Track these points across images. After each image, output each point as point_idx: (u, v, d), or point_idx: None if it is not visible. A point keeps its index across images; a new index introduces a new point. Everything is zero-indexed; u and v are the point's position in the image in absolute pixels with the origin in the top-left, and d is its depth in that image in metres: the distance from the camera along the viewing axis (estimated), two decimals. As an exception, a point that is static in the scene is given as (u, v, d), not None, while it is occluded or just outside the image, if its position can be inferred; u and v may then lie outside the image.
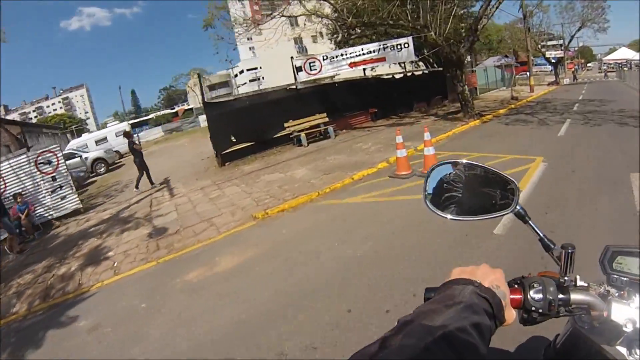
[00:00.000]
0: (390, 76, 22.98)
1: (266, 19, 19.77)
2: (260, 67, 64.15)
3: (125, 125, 34.49)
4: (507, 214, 0.96)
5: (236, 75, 77.90)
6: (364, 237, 5.98)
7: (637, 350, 0.77)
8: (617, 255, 0.90)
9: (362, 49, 18.52)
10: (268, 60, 48.77)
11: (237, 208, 8.90)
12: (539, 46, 44.59)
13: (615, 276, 0.90)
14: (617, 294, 0.84)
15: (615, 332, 0.78)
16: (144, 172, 13.85)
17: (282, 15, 18.98)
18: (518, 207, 0.95)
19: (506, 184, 0.97)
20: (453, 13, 17.26)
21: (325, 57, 18.55)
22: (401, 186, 8.56)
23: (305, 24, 23.69)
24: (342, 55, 18.31)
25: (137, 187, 13.94)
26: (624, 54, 60.77)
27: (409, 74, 24.23)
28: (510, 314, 0.77)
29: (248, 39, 25.20)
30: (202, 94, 17.52)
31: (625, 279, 0.88)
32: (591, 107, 18.47)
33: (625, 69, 46.56)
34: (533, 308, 0.80)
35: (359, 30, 20.86)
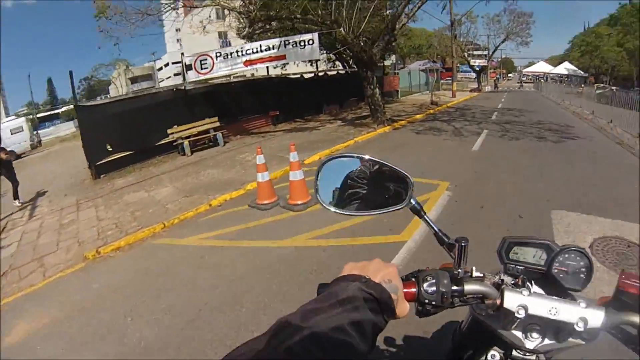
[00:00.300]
0: (299, 76, 20.80)
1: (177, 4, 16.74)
2: (187, 61, 59.98)
3: (22, 122, 29.18)
4: (401, 208, 0.98)
5: (160, 69, 72.39)
6: (163, 310, 4.40)
7: (533, 334, 0.83)
8: (513, 245, 0.98)
9: (261, 46, 16.06)
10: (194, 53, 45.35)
11: (76, 242, 7.42)
12: (465, 54, 45.01)
13: (511, 265, 0.97)
14: (512, 282, 0.93)
15: (510, 318, 0.82)
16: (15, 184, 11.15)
17: (184, 6, 16.16)
18: (413, 202, 0.97)
19: (401, 179, 1.00)
20: (371, 11, 15.34)
21: (218, 54, 15.91)
22: (256, 221, 6.74)
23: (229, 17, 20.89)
24: (237, 52, 15.76)
25: (16, 197, 11.17)
26: (542, 67, 65.51)
27: (321, 74, 22.19)
28: (404, 307, 0.78)
29: (177, 30, 21.80)
30: (74, 93, 14.34)
31: (520, 267, 0.97)
32: (510, 117, 17.96)
33: (542, 80, 49.38)
34: (426, 300, 0.81)
35: (266, 25, 18.42)
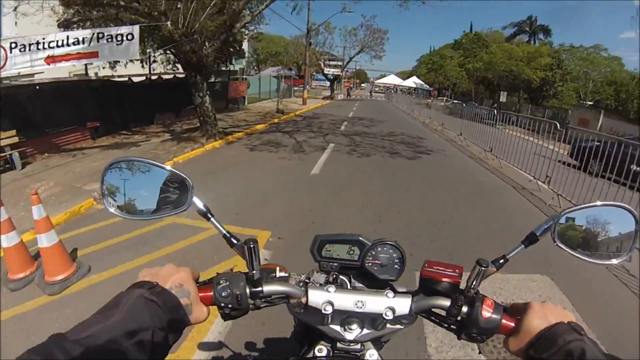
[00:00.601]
0: (127, 79, 16.64)
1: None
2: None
3: None
4: (183, 211, 0.94)
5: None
6: None
7: (351, 326, 0.85)
8: (325, 243, 1.00)
9: (68, 38, 11.72)
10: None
11: None
12: (320, 62, 44.61)
13: (325, 263, 1.00)
14: (326, 280, 0.99)
15: (321, 314, 0.84)
16: None
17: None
18: (199, 204, 0.93)
19: (182, 182, 0.95)
20: (211, 5, 12.22)
21: (14, 45, 11.22)
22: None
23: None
24: (38, 44, 11.25)
25: None
26: (392, 79, 70.95)
27: (154, 78, 18.33)
28: (200, 312, 0.79)
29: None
30: None
31: (335, 264, 1.00)
32: (360, 127, 16.77)
33: (392, 91, 51.94)
34: (222, 304, 0.82)
35: (86, 12, 14.06)
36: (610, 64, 36.46)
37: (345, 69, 63.01)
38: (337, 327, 0.87)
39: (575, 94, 39.09)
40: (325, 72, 45.58)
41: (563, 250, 0.88)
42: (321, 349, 0.90)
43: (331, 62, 67.96)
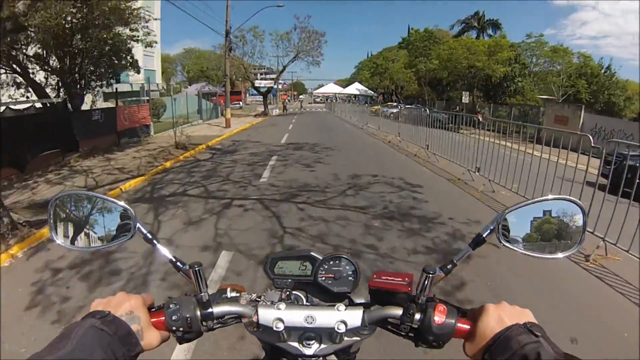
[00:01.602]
0: None
1: None
2: None
3: None
4: (129, 239, 0.94)
5: None
6: None
7: (309, 342, 0.83)
8: (277, 261, 0.99)
9: None
10: None
11: None
12: (249, 74, 37.38)
13: (279, 280, 0.98)
14: (277, 297, 0.95)
15: (275, 332, 0.83)
16: None
17: None
18: (144, 231, 0.92)
19: (125, 211, 0.95)
20: None
21: None
22: None
23: None
24: None
25: None
26: (331, 88, 65.69)
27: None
28: (152, 337, 0.78)
29: None
30: None
31: (289, 280, 0.98)
32: (298, 170, 9.99)
33: (333, 100, 45.31)
34: (174, 328, 0.82)
35: None
36: (580, 56, 32.04)
37: (280, 81, 56.84)
38: (295, 344, 0.84)
39: (542, 89, 34.68)
40: (257, 84, 38.21)
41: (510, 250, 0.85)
42: None
43: (267, 76, 62.83)
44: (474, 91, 37.61)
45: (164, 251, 0.92)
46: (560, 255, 0.87)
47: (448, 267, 0.87)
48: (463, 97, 30.25)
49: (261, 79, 41.14)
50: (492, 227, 0.85)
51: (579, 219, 0.87)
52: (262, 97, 40.14)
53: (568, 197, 0.87)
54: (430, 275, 0.83)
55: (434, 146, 11.82)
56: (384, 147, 14.91)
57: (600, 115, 23.03)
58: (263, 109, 37.47)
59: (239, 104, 54.36)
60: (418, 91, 45.76)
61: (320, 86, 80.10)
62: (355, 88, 52.02)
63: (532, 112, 27.42)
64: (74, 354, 0.63)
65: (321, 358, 0.85)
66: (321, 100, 72.93)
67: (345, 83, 75.28)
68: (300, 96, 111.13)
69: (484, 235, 0.86)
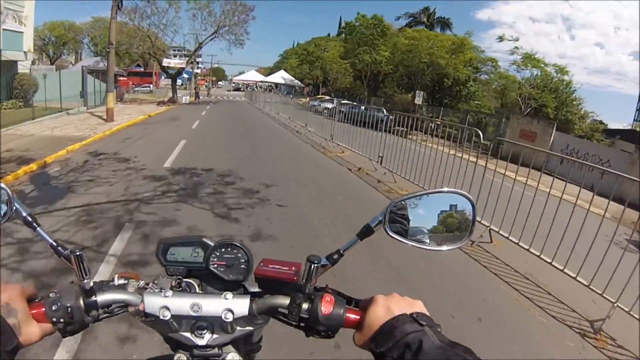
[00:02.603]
0: None
1: None
2: None
3: None
4: (5, 221, 0.87)
5: None
6: None
7: (200, 332, 0.80)
8: (169, 247, 0.95)
9: None
10: None
11: None
12: (156, 50, 29.64)
13: (171, 267, 0.93)
14: (169, 285, 0.88)
15: (164, 321, 0.80)
16: None
17: None
18: (24, 214, 0.85)
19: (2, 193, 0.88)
20: None
21: None
22: None
23: None
24: None
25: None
26: (253, 76, 60.21)
27: None
28: (32, 331, 0.72)
29: None
30: None
31: (181, 267, 0.93)
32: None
33: (255, 89, 38.62)
34: (54, 319, 0.76)
35: None
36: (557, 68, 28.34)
37: (198, 64, 49.39)
38: (187, 334, 0.82)
39: (496, 98, 31.32)
40: (165, 64, 30.80)
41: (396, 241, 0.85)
42: (180, 357, 0.84)
43: (184, 56, 54.12)
44: (415, 90, 33.74)
45: (45, 235, 0.87)
46: (444, 248, 0.88)
47: (334, 257, 0.86)
48: (416, 97, 25.71)
49: (176, 57, 33.26)
50: (380, 219, 0.84)
51: (468, 212, 0.87)
52: (181, 81, 33.26)
53: (460, 190, 0.87)
54: (315, 264, 0.82)
55: (389, 159, 9.04)
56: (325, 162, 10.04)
57: (567, 135, 20.69)
58: (171, 96, 30.56)
59: (149, 87, 47.19)
60: (351, 85, 41.06)
61: (241, 73, 74.40)
62: (281, 76, 46.05)
63: (490, 121, 23.99)
64: None
65: (216, 348, 0.83)
66: (242, 88, 67.05)
67: (268, 72, 70.45)
68: (219, 82, 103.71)
69: (372, 226, 0.85)
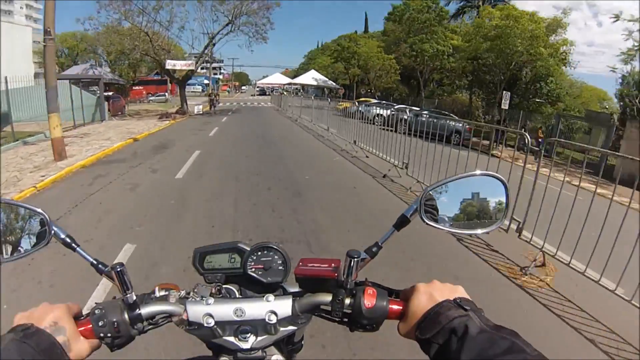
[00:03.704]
0: None
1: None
2: None
3: None
4: (45, 245, 0.87)
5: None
6: None
7: (244, 335, 0.81)
8: (205, 255, 0.95)
9: None
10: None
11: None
12: (158, 51, 23.28)
13: (209, 275, 0.94)
14: (209, 292, 0.88)
15: (208, 328, 0.80)
16: None
17: None
18: (63, 235, 0.86)
19: (40, 216, 0.88)
20: None
21: None
22: None
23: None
24: None
25: None
26: (278, 79, 55.09)
27: None
28: (80, 348, 0.73)
29: None
30: None
31: (219, 274, 0.93)
32: None
33: (285, 94, 31.36)
34: (101, 334, 0.76)
35: None
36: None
37: (220, 69, 43.58)
38: (231, 338, 0.82)
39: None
40: (169, 67, 23.53)
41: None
42: None
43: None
44: (472, 90, 26.67)
45: (85, 254, 0.87)
46: (479, 231, 0.87)
47: (373, 249, 0.85)
48: (503, 101, 18.36)
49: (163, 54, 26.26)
50: (415, 207, 0.83)
51: (501, 195, 0.86)
52: (198, 87, 27.40)
53: (491, 173, 0.85)
54: (355, 259, 0.80)
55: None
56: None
57: None
58: (180, 105, 24.30)
59: (165, 95, 41.87)
60: (395, 85, 34.19)
61: (265, 77, 68.55)
62: (312, 77, 38.71)
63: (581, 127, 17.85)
64: None
65: (260, 351, 0.83)
66: (267, 92, 61.47)
67: (293, 74, 65.07)
68: (243, 87, 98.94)
69: (408, 215, 0.84)
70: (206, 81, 49.64)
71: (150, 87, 43.98)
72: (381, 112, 15.96)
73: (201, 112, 24.65)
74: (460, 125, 15.57)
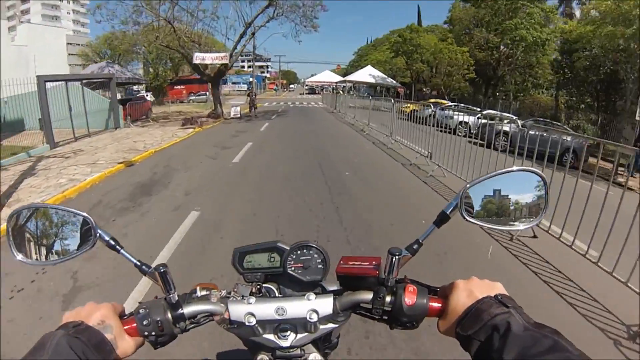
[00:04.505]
0: None
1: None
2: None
3: None
4: (90, 248, 0.87)
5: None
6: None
7: (284, 333, 0.81)
8: (244, 255, 0.94)
9: None
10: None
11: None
12: (184, 42, 19.17)
13: (249, 274, 0.93)
14: (249, 291, 0.89)
15: (249, 327, 0.81)
16: None
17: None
18: (107, 238, 0.86)
19: (84, 220, 0.88)
20: None
21: None
22: None
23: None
24: None
25: None
26: (328, 76, 51.21)
27: None
28: (126, 345, 0.75)
29: None
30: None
31: (259, 273, 0.93)
32: None
33: (340, 92, 26.41)
34: (145, 333, 0.78)
35: None
36: None
37: (267, 67, 40.90)
38: (270, 336, 0.83)
39: None
40: (198, 61, 18.72)
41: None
42: (263, 359, 0.86)
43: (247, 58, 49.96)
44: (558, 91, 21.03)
45: (129, 256, 0.87)
46: (522, 226, 0.85)
47: (414, 247, 0.84)
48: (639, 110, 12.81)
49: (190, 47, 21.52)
50: (455, 203, 0.82)
51: (540, 189, 0.84)
52: (243, 86, 24.52)
53: (530, 168, 0.83)
54: (397, 256, 0.80)
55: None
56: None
57: None
58: (213, 108, 20.22)
59: (206, 94, 38.10)
60: (463, 83, 28.68)
61: (312, 75, 64.76)
62: (369, 74, 33.13)
63: None
64: None
65: (299, 349, 0.83)
66: (317, 90, 58.37)
67: (343, 72, 61.61)
68: (291, 85, 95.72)
69: (448, 212, 0.82)
70: (251, 79, 46.18)
71: (192, 86, 41.54)
72: (465, 119, 12.48)
73: (238, 115, 20.35)
74: (575, 141, 10.59)
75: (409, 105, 16.66)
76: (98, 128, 14.51)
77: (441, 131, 8.41)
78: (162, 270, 0.80)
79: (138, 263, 0.84)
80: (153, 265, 0.83)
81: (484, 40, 26.35)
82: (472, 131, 10.55)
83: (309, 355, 0.84)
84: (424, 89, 31.69)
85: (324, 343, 0.87)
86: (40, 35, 26.86)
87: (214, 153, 10.36)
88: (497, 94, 28.96)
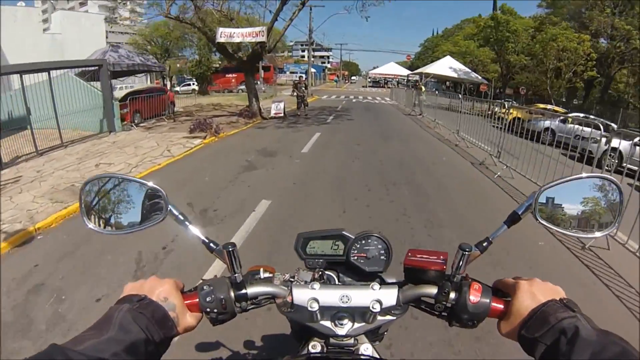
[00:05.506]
0: None
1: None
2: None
3: None
4: (161, 221, 0.88)
5: None
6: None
7: (342, 321, 0.80)
8: (308, 240, 0.94)
9: None
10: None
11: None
12: (204, 22, 14.62)
13: (311, 260, 0.93)
14: (310, 277, 0.90)
15: (308, 312, 0.80)
16: None
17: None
18: (177, 213, 0.86)
19: (156, 193, 0.88)
20: None
21: None
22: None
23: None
24: None
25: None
26: (393, 69, 49.82)
27: None
28: (188, 321, 0.76)
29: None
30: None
31: (321, 260, 0.93)
32: None
33: (421, 85, 20.76)
34: (208, 309, 0.78)
35: None
36: None
37: (332, 60, 39.95)
38: (327, 323, 0.82)
39: None
40: (223, 40, 13.76)
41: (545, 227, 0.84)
42: (315, 345, 0.85)
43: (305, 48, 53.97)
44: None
45: (197, 232, 0.86)
46: (597, 234, 0.83)
47: (484, 244, 0.82)
48: None
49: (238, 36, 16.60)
50: (527, 204, 0.80)
51: (614, 197, 0.81)
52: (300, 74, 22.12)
53: (605, 175, 0.81)
54: (466, 252, 0.78)
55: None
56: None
57: None
58: (248, 104, 15.60)
59: (257, 83, 34.12)
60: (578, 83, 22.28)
61: (375, 67, 60.99)
62: (449, 66, 26.77)
63: None
64: (117, 337, 0.62)
65: (352, 338, 0.82)
66: (381, 83, 54.10)
67: (407, 65, 57.55)
68: (353, 77, 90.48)
69: (519, 213, 0.81)
70: (313, 70, 41.68)
71: (243, 75, 37.02)
72: (615, 145, 7.47)
73: (281, 113, 15.66)
74: None
75: (513, 111, 11.11)
76: (92, 131, 11.33)
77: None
78: (230, 249, 0.80)
79: (206, 240, 0.84)
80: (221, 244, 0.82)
81: (608, 26, 19.78)
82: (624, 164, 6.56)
83: (361, 345, 0.82)
84: (520, 88, 25.06)
85: (371, 335, 0.84)
86: (76, 22, 25.35)
87: (174, 236, 5.49)
88: (605, 98, 22.35)
